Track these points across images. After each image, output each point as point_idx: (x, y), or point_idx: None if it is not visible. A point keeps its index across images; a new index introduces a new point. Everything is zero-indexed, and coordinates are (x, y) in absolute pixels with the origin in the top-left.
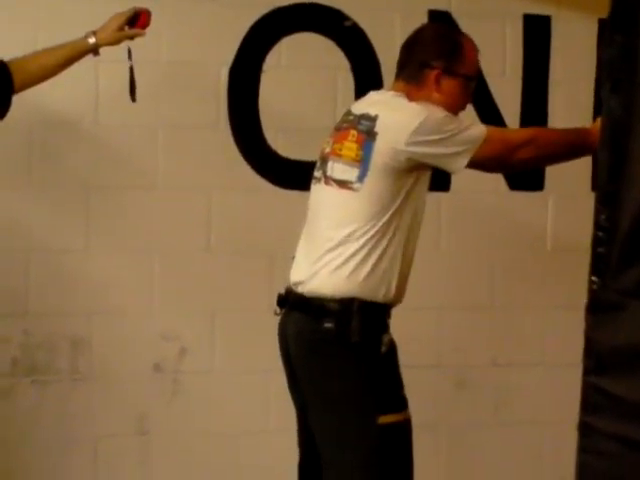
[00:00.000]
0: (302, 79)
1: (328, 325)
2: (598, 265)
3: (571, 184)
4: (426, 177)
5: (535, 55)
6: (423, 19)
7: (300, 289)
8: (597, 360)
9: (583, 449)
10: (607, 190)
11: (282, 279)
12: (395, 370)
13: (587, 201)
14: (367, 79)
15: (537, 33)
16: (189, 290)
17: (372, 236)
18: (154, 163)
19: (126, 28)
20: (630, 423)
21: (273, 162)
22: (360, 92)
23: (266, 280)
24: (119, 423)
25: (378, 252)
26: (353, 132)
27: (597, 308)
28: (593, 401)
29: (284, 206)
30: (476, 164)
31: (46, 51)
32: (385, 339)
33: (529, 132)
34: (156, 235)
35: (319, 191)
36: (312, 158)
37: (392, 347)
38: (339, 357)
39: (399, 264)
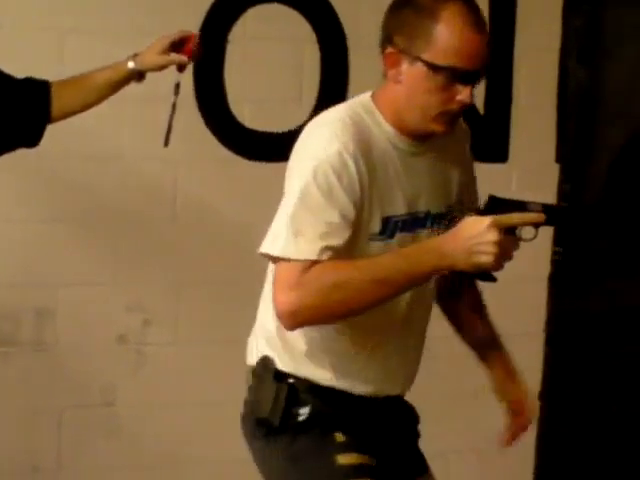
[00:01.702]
0: (268, 50)
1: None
2: (561, 235)
3: (535, 156)
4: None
5: (500, 26)
6: None
7: None
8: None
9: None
10: (572, 161)
11: (247, 251)
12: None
13: (552, 173)
14: (333, 51)
15: (503, 4)
16: (154, 262)
17: None
18: (119, 134)
19: (172, 54)
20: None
21: (239, 133)
22: (326, 64)
23: (231, 252)
24: (84, 394)
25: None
26: None
27: (560, 277)
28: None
29: (250, 177)
30: None
31: (85, 76)
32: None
33: (317, 270)
34: (121, 206)
35: None
36: (278, 129)
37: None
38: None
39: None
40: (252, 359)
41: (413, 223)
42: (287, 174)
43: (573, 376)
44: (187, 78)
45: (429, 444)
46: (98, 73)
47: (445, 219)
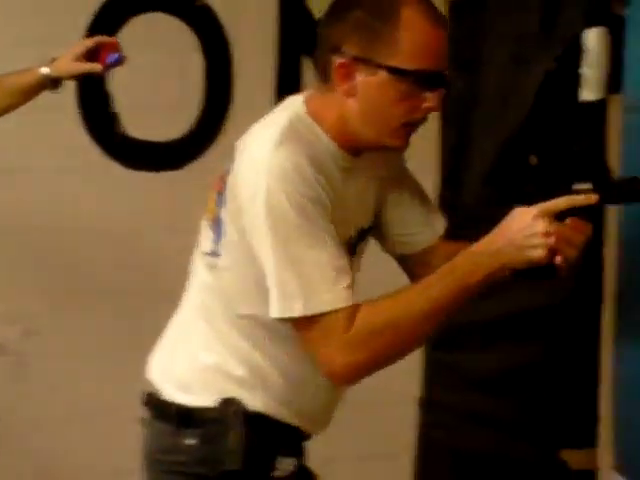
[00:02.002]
0: (152, 59)
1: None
2: None
3: (416, 164)
4: None
5: None
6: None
7: None
8: (438, 337)
9: (425, 423)
10: (450, 169)
11: (131, 259)
12: None
13: (432, 180)
14: (217, 60)
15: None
16: (32, 271)
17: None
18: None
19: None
20: (470, 396)
21: (122, 143)
22: (211, 73)
23: (114, 261)
24: None
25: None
26: (225, 174)
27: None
28: (436, 376)
29: (133, 186)
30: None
31: None
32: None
33: (358, 323)
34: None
35: None
36: (161, 139)
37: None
38: None
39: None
40: (196, 399)
41: (355, 243)
42: (245, 206)
43: None
44: (69, 87)
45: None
46: (7, 77)
47: (368, 234)
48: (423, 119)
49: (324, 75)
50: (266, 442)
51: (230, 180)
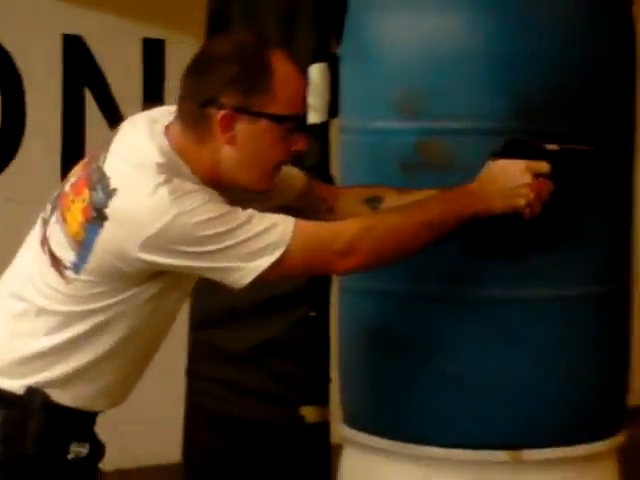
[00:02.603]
0: None
1: None
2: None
3: None
4: (187, 279)
5: (153, 75)
6: (58, 43)
7: None
8: (200, 317)
9: (191, 391)
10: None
11: None
12: None
13: None
14: (10, 93)
15: (154, 54)
16: None
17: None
18: None
19: None
20: (228, 368)
21: None
22: (5, 106)
23: None
24: None
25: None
26: (86, 194)
27: None
28: (199, 352)
29: None
30: (278, 278)
31: None
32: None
33: (355, 225)
34: None
35: (34, 248)
36: None
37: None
38: None
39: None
40: (8, 383)
41: None
42: (153, 242)
43: None
44: None
45: None
46: None
47: None
48: (290, 161)
49: (194, 124)
50: (64, 429)
51: (113, 223)
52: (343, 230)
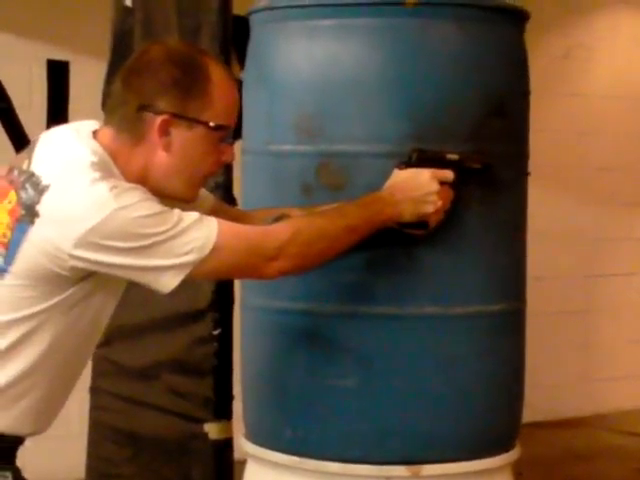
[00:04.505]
0: None
1: None
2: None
3: None
4: (113, 285)
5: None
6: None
7: None
8: (104, 335)
9: (94, 407)
10: None
11: None
12: None
13: None
14: None
15: (58, 75)
16: None
17: None
18: None
19: None
20: (130, 384)
21: None
22: None
23: None
24: None
25: None
26: (12, 195)
27: None
28: (101, 368)
29: None
30: (206, 278)
31: None
32: None
33: (284, 230)
34: None
35: None
36: None
37: None
38: None
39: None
40: None
41: None
42: (87, 238)
43: None
44: None
45: None
46: None
47: None
48: (217, 171)
49: (128, 129)
50: None
51: (45, 219)
52: (273, 235)
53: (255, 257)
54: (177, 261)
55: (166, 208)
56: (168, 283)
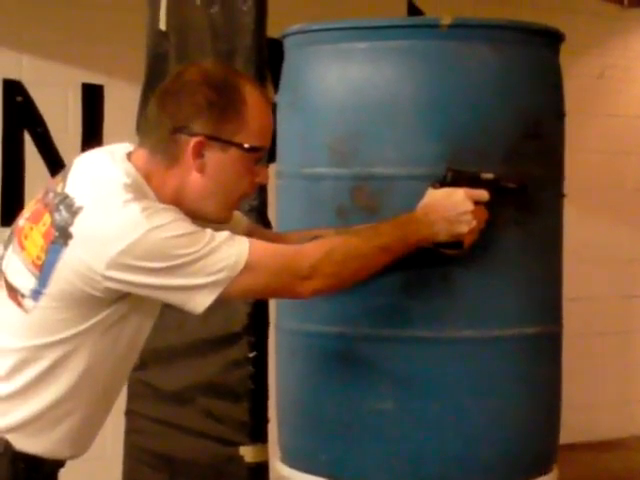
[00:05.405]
0: None
1: None
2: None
3: None
4: (148, 306)
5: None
6: None
7: None
8: (140, 358)
9: (129, 431)
10: None
11: None
12: None
13: None
14: None
15: (93, 99)
16: None
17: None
18: None
19: None
20: (165, 407)
21: None
22: None
23: None
24: None
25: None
26: (47, 218)
27: None
28: (136, 391)
29: None
30: (240, 297)
31: None
32: None
33: (318, 248)
34: None
35: None
36: None
37: None
38: None
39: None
40: None
41: None
42: (119, 260)
43: None
44: None
45: None
46: None
47: None
48: (251, 193)
49: (163, 151)
50: (28, 477)
51: (78, 241)
52: (307, 254)
53: (288, 276)
54: (209, 279)
55: (198, 228)
56: (201, 302)
